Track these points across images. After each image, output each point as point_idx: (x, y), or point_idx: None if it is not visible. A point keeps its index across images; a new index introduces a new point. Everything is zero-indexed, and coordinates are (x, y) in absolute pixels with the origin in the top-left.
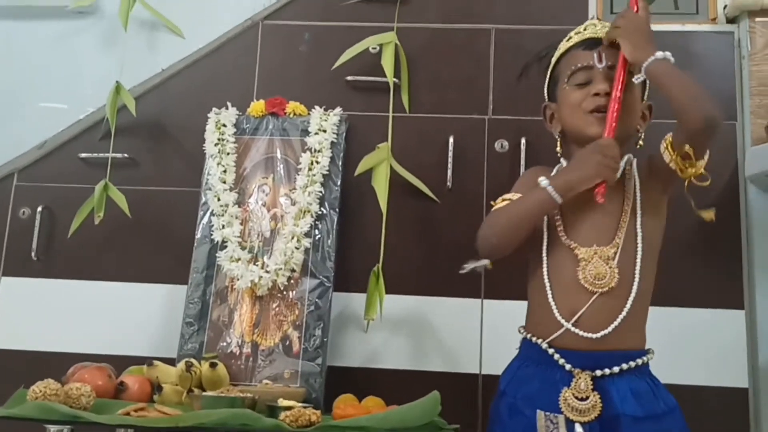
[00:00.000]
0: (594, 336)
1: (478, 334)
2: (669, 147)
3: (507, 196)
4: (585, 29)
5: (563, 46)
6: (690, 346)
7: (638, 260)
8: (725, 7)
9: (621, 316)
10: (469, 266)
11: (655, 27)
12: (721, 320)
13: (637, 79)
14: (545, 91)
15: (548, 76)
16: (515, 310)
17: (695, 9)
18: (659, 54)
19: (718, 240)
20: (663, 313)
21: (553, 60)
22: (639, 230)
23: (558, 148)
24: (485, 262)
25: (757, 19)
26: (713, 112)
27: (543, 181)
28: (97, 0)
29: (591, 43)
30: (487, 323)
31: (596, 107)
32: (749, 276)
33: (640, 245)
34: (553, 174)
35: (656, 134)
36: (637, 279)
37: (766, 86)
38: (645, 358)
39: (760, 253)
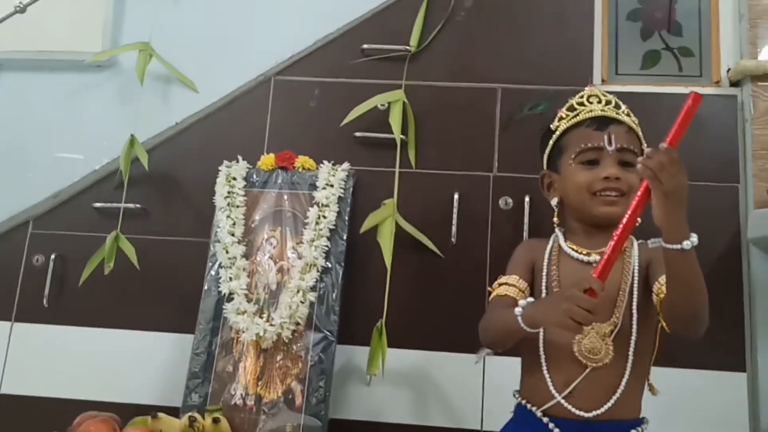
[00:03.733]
0: (586, 415)
1: (480, 390)
2: (658, 301)
3: (502, 279)
4: (588, 100)
5: (567, 117)
6: (691, 409)
7: (632, 341)
8: (728, 70)
9: (615, 397)
10: (478, 357)
11: (658, 89)
12: (723, 383)
13: (653, 243)
14: (545, 159)
15: (551, 146)
16: (517, 368)
17: (699, 72)
18: (688, 243)
19: (720, 302)
20: (664, 374)
21: (558, 131)
22: (634, 311)
23: (555, 218)
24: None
25: (760, 84)
26: (703, 330)
27: (518, 308)
28: (114, 55)
29: (601, 122)
30: (489, 379)
31: (603, 190)
32: (751, 338)
33: (635, 327)
34: (548, 249)
35: None
36: (631, 359)
37: None
38: (639, 429)
39: (762, 316)
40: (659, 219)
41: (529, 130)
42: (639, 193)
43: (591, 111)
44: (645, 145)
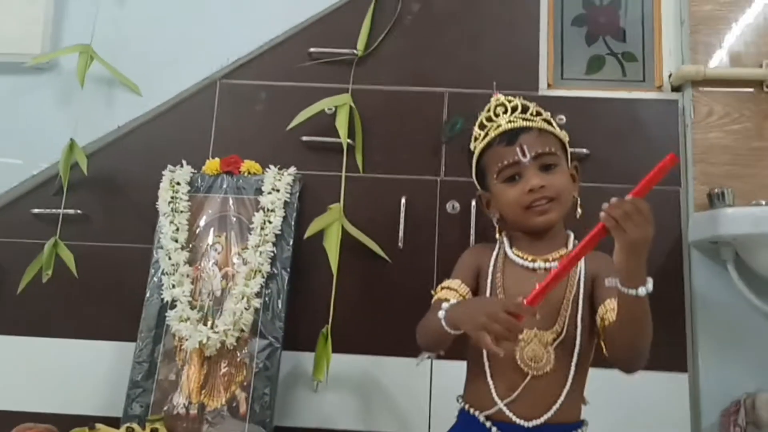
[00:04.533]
0: (526, 424)
1: (427, 395)
2: (601, 325)
3: (445, 283)
4: (495, 112)
5: (480, 137)
6: (633, 410)
7: (576, 350)
8: (670, 75)
9: (555, 407)
10: (419, 360)
11: (602, 94)
12: (665, 383)
13: (609, 283)
14: (474, 179)
15: (474, 168)
16: (464, 372)
17: (642, 77)
18: (643, 289)
19: (662, 303)
20: (605, 375)
21: (476, 153)
22: (579, 322)
23: (497, 234)
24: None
25: (701, 89)
26: (640, 367)
27: (441, 312)
28: (55, 57)
29: (510, 135)
30: (436, 384)
31: (533, 202)
32: (692, 339)
33: (578, 338)
34: (494, 254)
35: (589, 195)
36: (573, 367)
37: (708, 154)
38: (580, 431)
39: (702, 317)
40: (618, 264)
41: None
42: (590, 235)
43: (498, 126)
44: (563, 135)
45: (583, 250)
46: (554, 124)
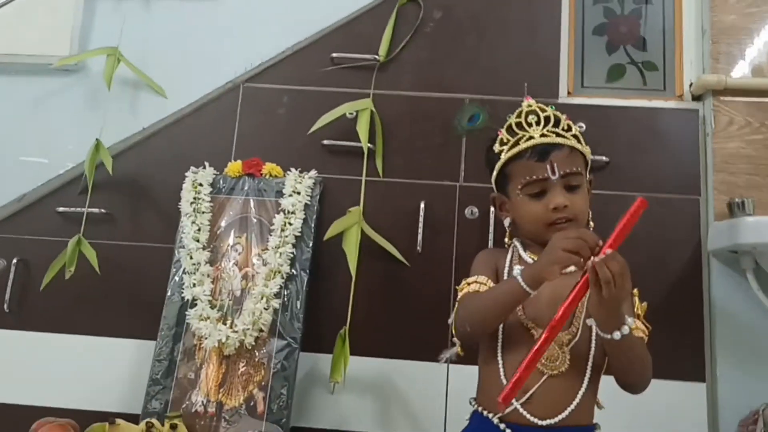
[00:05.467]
0: (541, 423)
1: (443, 399)
2: None
3: (471, 279)
4: (527, 120)
5: (508, 143)
6: (650, 419)
7: (592, 350)
8: (691, 85)
9: (570, 408)
10: (444, 356)
11: (622, 102)
12: (683, 393)
13: (591, 323)
14: (493, 181)
15: (497, 171)
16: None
17: (662, 86)
18: (618, 334)
19: (681, 312)
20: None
21: (502, 160)
22: (593, 326)
23: (506, 239)
24: (456, 349)
25: (721, 98)
26: (643, 390)
27: (516, 270)
28: (83, 60)
29: (542, 151)
30: (452, 388)
31: (555, 221)
32: (711, 349)
33: (594, 340)
34: (508, 257)
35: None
36: (589, 368)
37: (729, 163)
38: None
39: (721, 327)
40: (592, 311)
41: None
42: (576, 289)
43: (531, 139)
44: (588, 152)
45: (572, 305)
46: (582, 140)
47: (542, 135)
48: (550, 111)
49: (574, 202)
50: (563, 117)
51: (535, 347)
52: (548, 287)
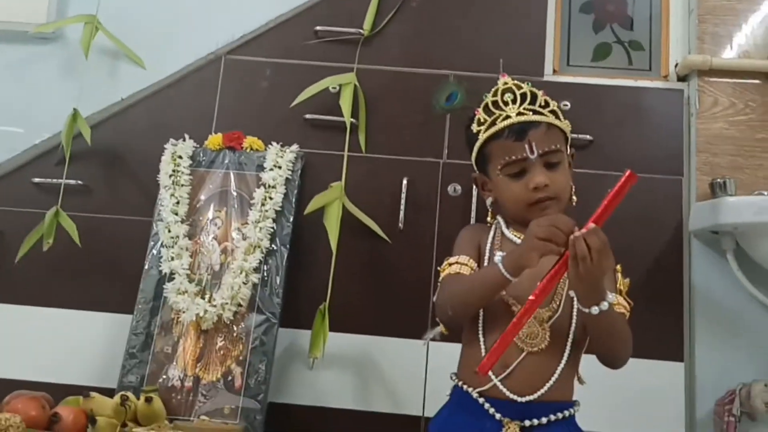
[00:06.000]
0: (520, 399)
1: (422, 376)
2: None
3: (452, 259)
4: (503, 99)
5: (485, 123)
6: (628, 397)
7: (572, 327)
8: (676, 65)
9: (549, 384)
10: (428, 336)
11: (607, 81)
12: (661, 372)
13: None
14: (473, 162)
15: (476, 152)
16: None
17: (648, 66)
18: (596, 309)
19: (661, 292)
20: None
21: (480, 140)
22: (575, 302)
23: (489, 218)
24: (440, 329)
25: (706, 79)
26: (621, 365)
27: (497, 256)
28: (60, 27)
29: (520, 130)
30: (432, 365)
31: (537, 200)
32: (690, 328)
33: (574, 317)
34: (491, 234)
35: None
36: (569, 345)
37: (712, 144)
38: (572, 410)
39: (701, 307)
40: (572, 286)
41: None
42: (557, 265)
43: (507, 118)
44: (567, 127)
45: (552, 280)
46: (560, 115)
47: (519, 113)
48: (526, 88)
49: (555, 179)
50: (540, 93)
51: (514, 320)
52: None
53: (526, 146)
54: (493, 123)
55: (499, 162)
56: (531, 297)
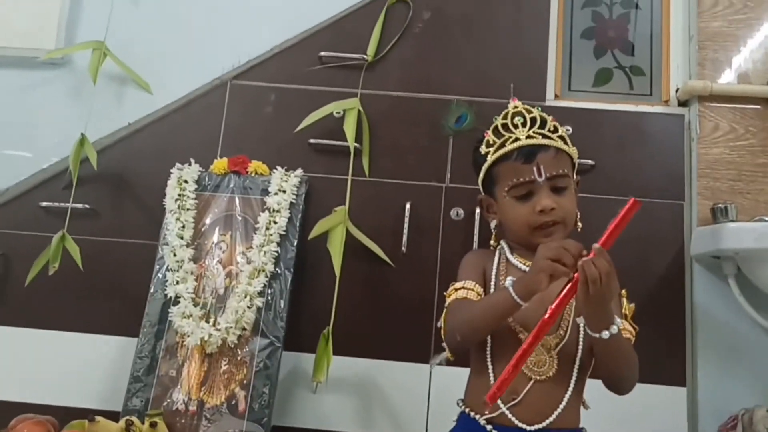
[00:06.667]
0: (528, 428)
1: (426, 400)
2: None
3: (458, 284)
4: (513, 122)
5: (495, 145)
6: (631, 422)
7: (579, 354)
8: (677, 90)
9: (557, 411)
10: (434, 361)
11: (609, 106)
12: (663, 396)
13: (580, 320)
14: (480, 183)
15: (483, 173)
16: (463, 377)
17: (649, 90)
18: (606, 333)
19: (663, 317)
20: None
21: (488, 161)
22: (581, 328)
23: (492, 241)
24: (446, 354)
25: (707, 104)
26: (628, 391)
27: (507, 281)
28: (69, 54)
29: (528, 152)
30: (435, 389)
31: (542, 224)
32: (692, 353)
33: (581, 343)
34: (495, 260)
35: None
36: (576, 371)
37: (713, 169)
38: None
39: (703, 331)
40: (580, 310)
41: None
42: (565, 290)
43: (517, 140)
44: (575, 153)
45: (561, 306)
46: (568, 141)
47: (528, 136)
48: (536, 112)
49: (561, 204)
50: (549, 118)
51: (523, 346)
52: (536, 296)
53: (534, 169)
54: (503, 145)
55: (506, 183)
56: (545, 317)
